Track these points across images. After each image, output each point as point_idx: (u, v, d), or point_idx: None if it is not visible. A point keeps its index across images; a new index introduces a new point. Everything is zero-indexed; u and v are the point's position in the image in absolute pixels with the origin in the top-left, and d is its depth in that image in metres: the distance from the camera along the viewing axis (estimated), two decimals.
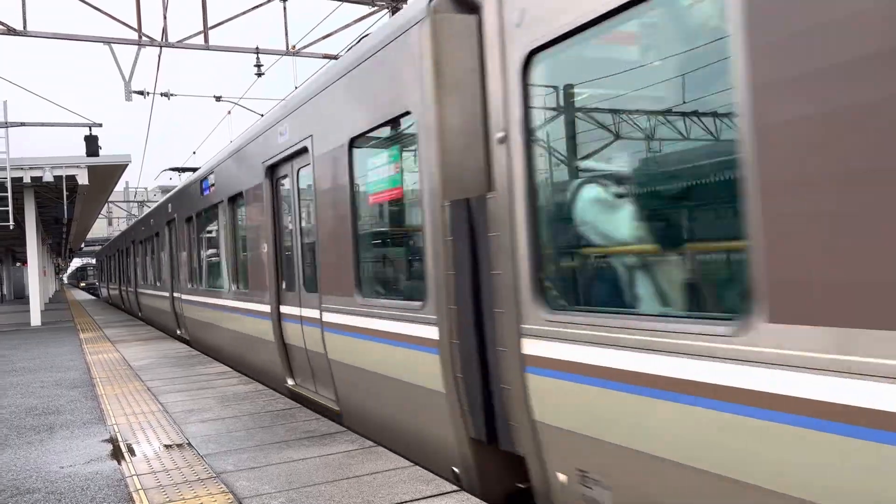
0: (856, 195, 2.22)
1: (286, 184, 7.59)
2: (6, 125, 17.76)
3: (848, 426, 2.27)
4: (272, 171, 7.92)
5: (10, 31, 13.01)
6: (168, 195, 15.77)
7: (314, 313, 6.64)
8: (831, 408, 2.32)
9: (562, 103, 3.79)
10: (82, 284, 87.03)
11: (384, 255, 5.86)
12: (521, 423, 3.95)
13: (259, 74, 15.86)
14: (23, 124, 18.44)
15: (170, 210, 15.07)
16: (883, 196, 2.14)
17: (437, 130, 4.34)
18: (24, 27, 13.06)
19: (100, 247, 55.06)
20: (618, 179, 3.55)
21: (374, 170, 5.51)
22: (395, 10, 14.43)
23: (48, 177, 18.61)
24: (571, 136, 3.81)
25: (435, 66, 4.34)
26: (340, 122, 5.87)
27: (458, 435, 4.49)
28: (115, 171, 20.83)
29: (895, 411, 2.14)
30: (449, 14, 4.36)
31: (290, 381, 7.78)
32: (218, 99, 19.74)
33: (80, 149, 18.66)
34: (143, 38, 13.87)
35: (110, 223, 60.83)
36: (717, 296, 3.09)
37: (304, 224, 7.20)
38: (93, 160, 18.83)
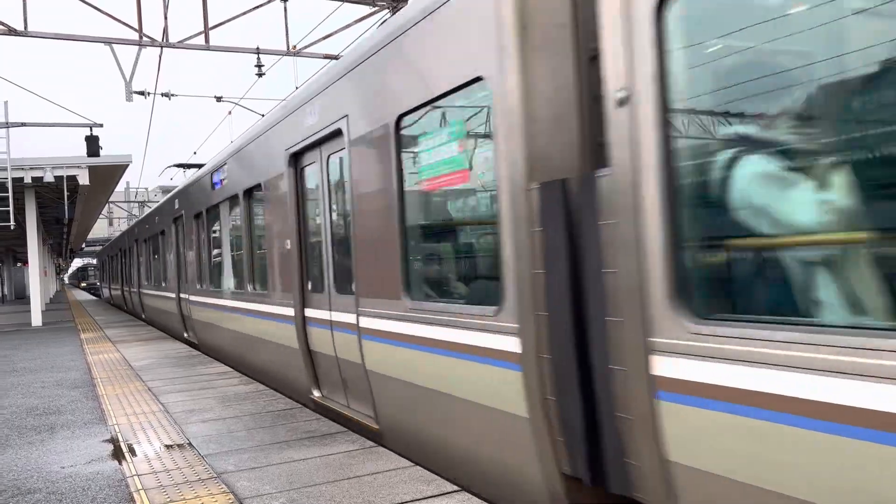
0: None
1: (313, 172, 6.82)
2: (7, 125, 17.77)
3: None
4: (296, 158, 7.14)
5: (12, 32, 13.01)
6: (174, 191, 15.08)
7: (348, 318, 5.94)
8: None
9: (711, 50, 2.95)
10: (83, 284, 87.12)
11: (441, 252, 5.05)
12: (648, 462, 3.12)
13: (260, 75, 15.87)
14: (24, 124, 18.45)
15: (176, 206, 14.25)
16: None
17: (522, 99, 3.60)
18: (25, 27, 13.07)
19: (100, 247, 55.07)
20: (793, 149, 2.74)
21: (429, 151, 4.70)
22: (395, 10, 14.43)
23: (49, 177, 18.62)
24: (725, 93, 2.92)
25: (518, 23, 3.62)
26: (385, 98, 5.11)
27: (545, 470, 3.74)
28: (115, 171, 20.83)
29: None
30: None
31: (315, 393, 7.04)
32: (219, 99, 19.76)
33: (81, 149, 18.68)
34: (144, 39, 13.87)
35: (111, 223, 60.86)
36: None
37: (335, 217, 6.40)
38: (93, 160, 18.84)
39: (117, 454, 5.45)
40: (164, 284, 16.58)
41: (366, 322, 5.55)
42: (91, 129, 18.46)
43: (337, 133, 6.03)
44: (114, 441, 5.87)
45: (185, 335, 14.45)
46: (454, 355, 4.35)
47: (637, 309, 3.04)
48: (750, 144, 2.82)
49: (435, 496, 4.05)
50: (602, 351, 3.27)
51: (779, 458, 2.49)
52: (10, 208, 18.22)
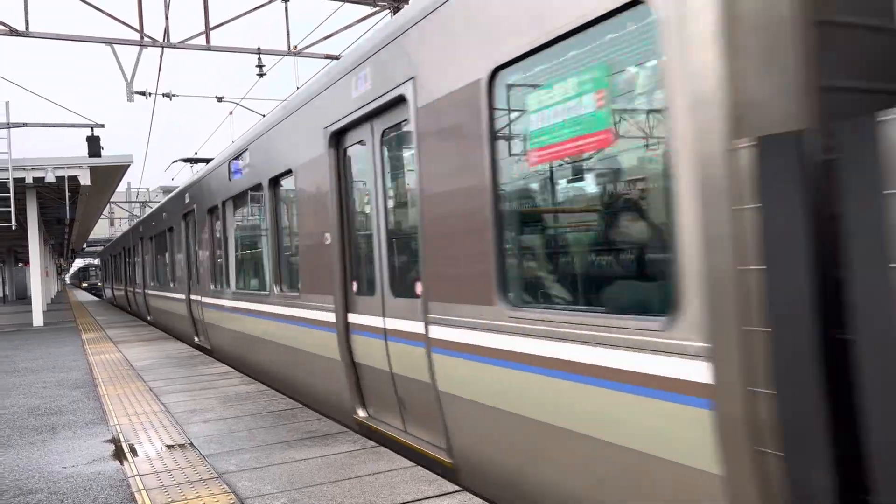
0: None
1: (361, 152, 5.82)
2: (8, 126, 17.78)
3: None
4: (339, 138, 6.15)
5: (13, 32, 13.02)
6: (185, 184, 13.92)
7: (411, 326, 5.02)
8: None
9: None
10: (84, 285, 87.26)
11: (559, 243, 3.80)
12: None
13: (261, 75, 15.87)
14: (25, 125, 18.46)
15: (187, 201, 13.13)
16: None
17: (719, 22, 2.60)
18: (27, 28, 13.08)
19: (101, 247, 55.13)
20: None
21: (545, 110, 3.62)
22: (396, 10, 14.44)
23: (50, 177, 18.64)
24: None
25: None
26: (471, 48, 4.06)
27: None
28: (116, 171, 20.85)
29: None
30: None
31: (360, 413, 6.07)
32: (220, 99, 19.77)
33: (82, 149, 18.70)
34: (145, 39, 13.88)
35: (112, 224, 60.95)
36: None
37: (391, 205, 5.39)
38: (95, 161, 18.85)
39: (119, 454, 5.45)
40: (172, 285, 15.46)
41: (438, 332, 4.56)
42: (92, 130, 18.48)
43: (397, 101, 5.10)
44: (115, 441, 5.87)
45: (196, 339, 13.46)
46: (582, 380, 3.35)
47: None
48: None
49: (436, 496, 4.06)
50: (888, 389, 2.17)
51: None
52: (12, 208, 18.24)
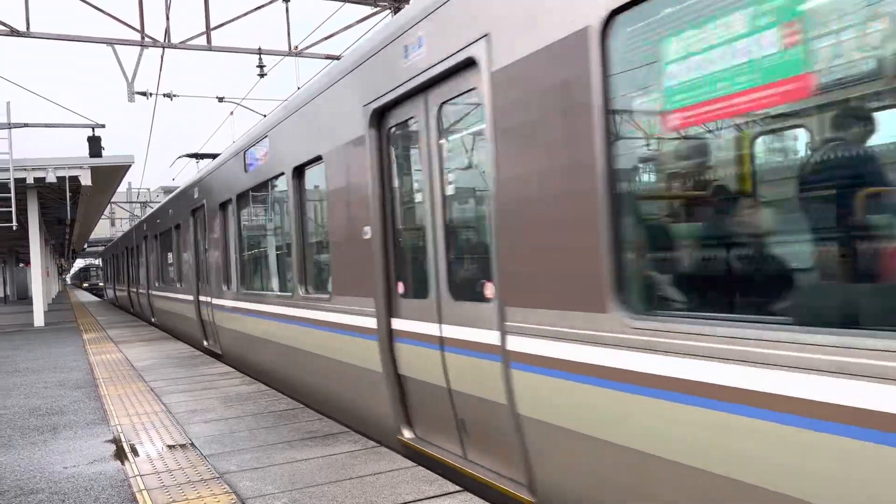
0: None
1: (411, 131, 5.08)
2: (9, 126, 17.79)
3: None
4: (381, 116, 5.40)
5: (14, 32, 13.03)
6: (192, 179, 13.08)
7: (480, 336, 4.26)
8: None
9: None
10: (85, 285, 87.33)
11: (718, 230, 2.91)
12: None
13: (261, 75, 15.88)
14: (26, 125, 18.47)
15: (196, 196, 12.32)
16: None
17: None
18: (28, 28, 13.09)
19: (102, 247, 55.16)
20: None
21: (692, 58, 2.79)
22: (396, 11, 14.45)
23: (51, 177, 18.67)
24: None
25: None
26: None
27: None
28: (117, 171, 20.87)
29: None
30: None
31: (406, 433, 5.32)
32: (221, 100, 19.78)
33: (83, 149, 18.72)
34: (146, 39, 13.89)
35: (113, 224, 61.02)
36: None
37: (450, 192, 4.63)
38: (96, 161, 18.88)
39: (120, 454, 5.45)
40: (179, 286, 14.57)
41: (520, 344, 3.79)
42: (93, 130, 18.49)
43: (462, 67, 4.33)
44: (116, 441, 5.87)
45: (206, 343, 12.59)
46: (750, 413, 2.54)
47: None
48: None
49: (437, 496, 4.06)
50: None
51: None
52: (13, 209, 18.26)
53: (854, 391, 2.19)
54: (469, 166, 4.48)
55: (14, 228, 19.04)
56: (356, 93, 5.67)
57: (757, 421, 2.52)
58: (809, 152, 2.56)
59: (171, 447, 5.55)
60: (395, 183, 5.35)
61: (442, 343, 4.71)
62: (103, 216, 43.22)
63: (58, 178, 18.78)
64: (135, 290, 24.35)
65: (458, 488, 4.16)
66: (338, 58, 15.04)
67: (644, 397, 3.01)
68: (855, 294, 2.36)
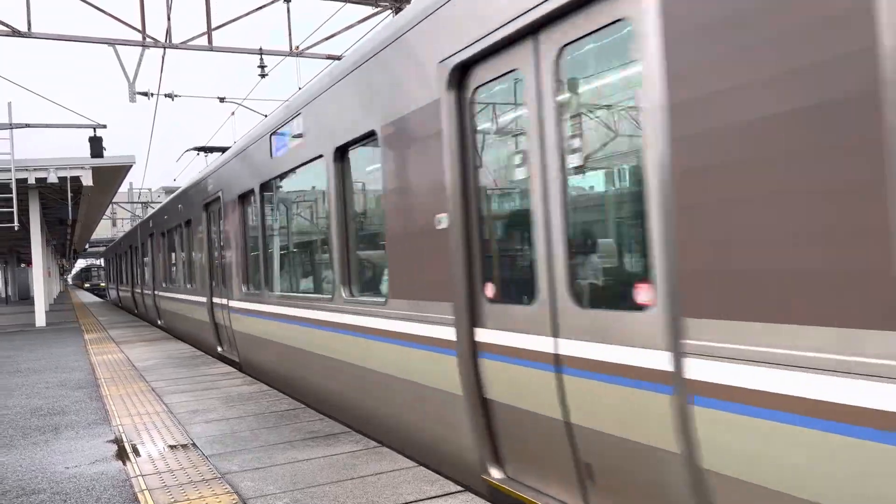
0: None
1: (508, 90, 4.03)
2: (10, 126, 17.81)
3: None
4: (464, 74, 4.35)
5: (15, 33, 13.05)
6: (205, 171, 12.06)
7: (631, 356, 3.17)
8: None
9: None
10: (86, 285, 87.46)
11: None
12: None
13: (262, 75, 15.89)
14: (27, 125, 18.49)
15: (209, 188, 11.32)
16: None
17: None
18: (29, 28, 13.10)
19: (104, 248, 55.19)
20: None
21: None
22: (398, 11, 14.45)
23: (53, 178, 18.68)
24: None
25: None
26: None
27: None
28: (119, 172, 20.88)
29: None
30: None
31: (494, 473, 4.31)
32: (222, 100, 19.80)
33: (84, 150, 18.76)
34: (147, 40, 13.90)
35: (114, 224, 61.12)
36: None
37: (574, 162, 3.55)
38: (97, 161, 18.90)
39: (121, 454, 5.46)
40: (190, 286, 13.45)
41: (718, 372, 2.72)
42: (94, 130, 18.51)
43: None
44: (118, 441, 5.88)
45: (220, 349, 11.55)
46: None
47: None
48: None
49: (439, 496, 4.06)
50: None
51: None
52: (14, 209, 18.28)
53: None
54: (612, 126, 3.39)
55: (16, 229, 19.07)
56: (427, 47, 4.67)
57: None
58: None
59: (172, 447, 5.56)
60: (483, 158, 4.29)
61: (558, 362, 3.66)
62: (105, 216, 43.27)
63: (59, 178, 18.79)
64: (140, 290, 23.31)
65: (459, 488, 4.16)
66: (339, 58, 15.05)
67: None
68: None
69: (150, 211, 27.07)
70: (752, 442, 2.60)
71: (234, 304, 10.05)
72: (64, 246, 44.35)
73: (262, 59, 15.53)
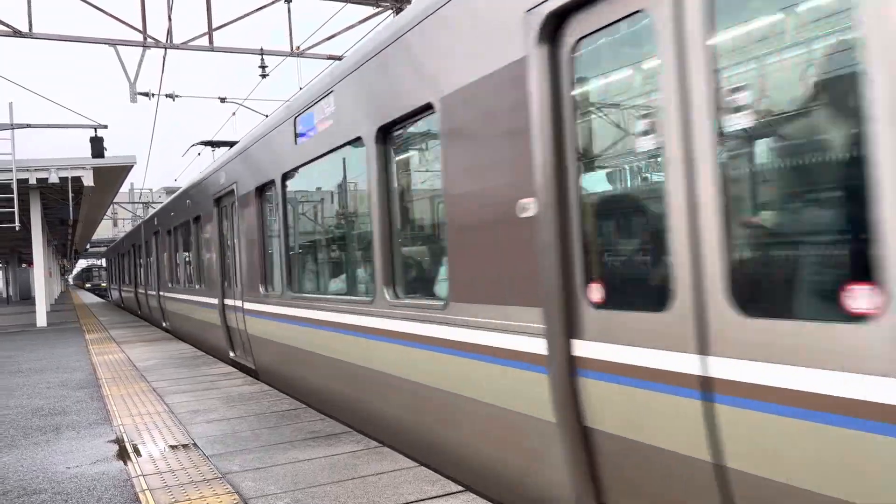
0: None
1: (625, 38, 3.22)
2: (12, 126, 17.83)
3: None
4: (560, 24, 3.51)
5: (16, 33, 13.05)
6: (217, 163, 11.18)
7: (836, 385, 2.32)
8: None
9: None
10: (87, 286, 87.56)
11: None
12: None
13: (263, 76, 15.90)
14: (28, 126, 18.51)
15: (222, 181, 10.42)
16: None
17: None
18: (30, 29, 13.10)
19: (105, 248, 55.22)
20: None
21: None
22: (398, 11, 14.46)
23: (54, 178, 18.70)
24: None
25: None
26: None
27: None
28: (120, 172, 20.90)
29: None
30: None
31: None
32: (223, 100, 19.80)
33: (85, 150, 18.76)
34: (148, 40, 13.91)
35: (115, 224, 61.16)
36: None
37: (733, 124, 2.70)
38: (98, 161, 18.91)
39: (122, 454, 5.46)
40: (199, 286, 12.59)
41: None
42: (95, 131, 18.52)
43: None
44: (119, 441, 5.88)
45: (233, 355, 10.61)
46: None
47: None
48: None
49: (440, 496, 4.06)
50: None
51: None
52: (15, 209, 18.30)
53: None
54: (800, 76, 2.54)
55: (17, 229, 19.08)
56: None
57: None
58: None
59: (173, 447, 5.56)
60: (586, 129, 3.47)
61: (708, 387, 2.81)
62: (106, 217, 43.30)
63: (60, 178, 18.80)
64: (143, 291, 22.00)
65: (460, 488, 4.17)
66: (339, 58, 15.05)
67: None
68: None
69: (152, 210, 26.67)
70: None
71: (248, 306, 9.24)
72: (65, 246, 44.38)
73: (262, 59, 15.54)
